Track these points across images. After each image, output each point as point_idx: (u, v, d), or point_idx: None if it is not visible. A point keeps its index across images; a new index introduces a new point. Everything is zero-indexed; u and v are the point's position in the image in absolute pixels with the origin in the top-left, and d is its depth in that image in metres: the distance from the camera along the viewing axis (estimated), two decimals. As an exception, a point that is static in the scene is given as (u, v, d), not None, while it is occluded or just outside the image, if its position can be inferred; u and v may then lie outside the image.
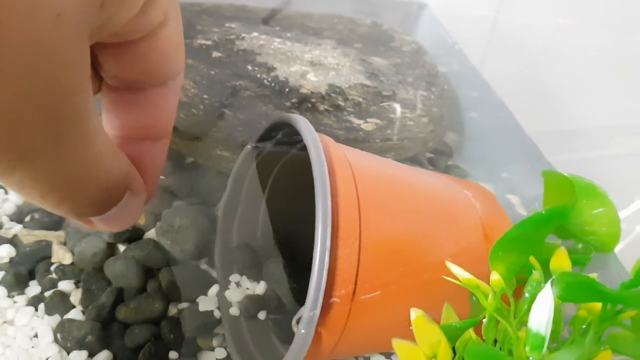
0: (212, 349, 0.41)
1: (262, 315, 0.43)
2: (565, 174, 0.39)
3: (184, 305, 0.43)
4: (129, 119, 0.27)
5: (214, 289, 0.45)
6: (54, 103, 0.18)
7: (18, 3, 0.16)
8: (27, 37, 0.16)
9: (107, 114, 0.27)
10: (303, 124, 0.35)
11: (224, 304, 0.43)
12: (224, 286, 0.45)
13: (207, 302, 0.43)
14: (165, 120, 0.28)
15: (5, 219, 0.48)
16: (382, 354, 0.42)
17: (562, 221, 0.38)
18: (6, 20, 0.15)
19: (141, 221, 0.27)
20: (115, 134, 0.27)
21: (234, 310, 0.43)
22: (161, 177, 0.54)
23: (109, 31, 0.21)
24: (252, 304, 0.43)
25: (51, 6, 0.16)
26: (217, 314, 0.43)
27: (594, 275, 0.31)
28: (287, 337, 0.41)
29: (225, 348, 0.41)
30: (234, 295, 0.44)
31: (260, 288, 0.45)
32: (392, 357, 0.42)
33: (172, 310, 0.43)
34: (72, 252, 0.45)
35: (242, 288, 0.45)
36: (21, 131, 0.17)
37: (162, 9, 0.23)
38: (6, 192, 0.51)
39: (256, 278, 0.46)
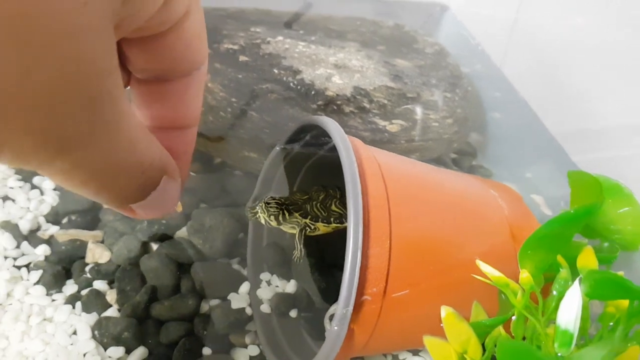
0: (245, 346, 0.42)
1: (293, 313, 0.44)
2: (592, 174, 0.39)
3: (215, 302, 0.45)
4: (158, 110, 0.28)
5: (244, 287, 0.46)
6: (86, 87, 0.19)
7: None
8: (56, 24, 0.17)
9: (137, 106, 0.28)
10: (333, 126, 0.36)
11: (255, 301, 0.45)
12: (255, 284, 0.46)
13: (238, 300, 0.45)
14: (192, 108, 0.29)
15: (42, 220, 0.50)
16: (409, 350, 0.43)
17: (589, 220, 0.38)
18: (36, 8, 0.17)
19: (178, 209, 0.28)
20: (146, 125, 0.28)
21: (265, 308, 0.44)
22: (191, 174, 0.55)
23: (134, 25, 0.22)
24: (284, 302, 0.44)
25: None
26: (248, 311, 0.44)
27: (620, 274, 0.31)
28: (319, 334, 0.42)
29: (259, 345, 0.42)
30: (264, 293, 0.45)
31: (290, 287, 0.46)
32: (421, 353, 0.42)
33: (204, 307, 0.44)
34: (110, 250, 0.47)
35: (272, 286, 0.46)
36: (59, 117, 0.18)
37: (185, 1, 0.24)
38: (42, 193, 0.52)
39: (286, 276, 0.47)
